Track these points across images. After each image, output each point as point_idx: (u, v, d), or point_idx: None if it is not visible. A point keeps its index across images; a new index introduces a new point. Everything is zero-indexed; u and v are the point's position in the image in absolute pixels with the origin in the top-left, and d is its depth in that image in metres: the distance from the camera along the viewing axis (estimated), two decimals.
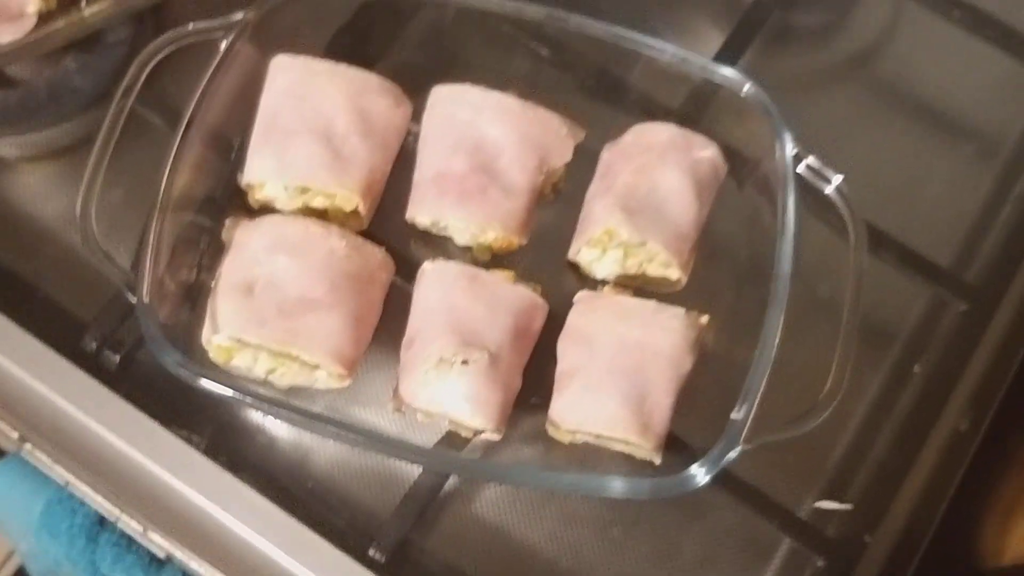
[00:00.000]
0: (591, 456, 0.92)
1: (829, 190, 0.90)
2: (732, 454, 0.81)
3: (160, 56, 0.91)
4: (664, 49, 0.94)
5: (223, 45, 0.90)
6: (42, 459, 1.13)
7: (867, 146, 1.11)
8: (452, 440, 0.91)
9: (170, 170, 0.86)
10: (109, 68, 1.04)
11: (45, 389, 0.94)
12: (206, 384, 0.82)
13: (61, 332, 0.96)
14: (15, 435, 1.13)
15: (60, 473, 1.14)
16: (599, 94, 1.05)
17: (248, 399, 0.82)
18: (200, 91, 0.88)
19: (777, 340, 0.84)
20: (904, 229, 1.03)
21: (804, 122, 0.97)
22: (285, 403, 0.86)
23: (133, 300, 0.85)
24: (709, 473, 0.80)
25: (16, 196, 1.04)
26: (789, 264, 0.85)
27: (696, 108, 1.04)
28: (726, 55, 1.08)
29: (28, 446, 1.13)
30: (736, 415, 0.81)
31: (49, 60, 1.04)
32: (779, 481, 0.94)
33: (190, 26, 0.91)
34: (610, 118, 1.04)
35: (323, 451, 0.94)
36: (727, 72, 0.93)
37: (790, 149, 0.89)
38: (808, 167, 0.90)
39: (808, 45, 1.18)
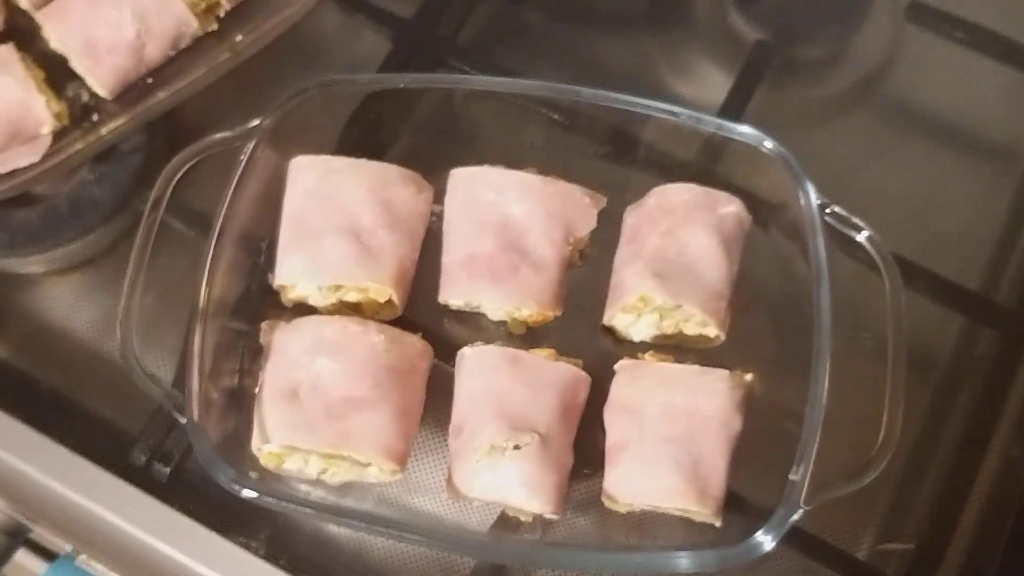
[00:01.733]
0: (648, 522, 0.92)
1: (859, 238, 0.90)
2: (795, 516, 0.81)
3: (184, 169, 0.91)
4: (678, 112, 0.94)
5: (244, 152, 0.90)
6: (97, 567, 1.14)
7: (883, 174, 1.11)
8: (508, 521, 0.91)
9: (207, 280, 0.86)
10: (127, 177, 1.05)
11: (98, 508, 0.95)
12: (265, 500, 0.82)
13: (108, 447, 0.97)
14: (68, 547, 1.13)
15: None
16: (614, 155, 1.05)
17: (308, 511, 0.82)
18: (227, 199, 0.89)
19: (826, 393, 0.83)
20: (930, 256, 1.03)
21: (818, 158, 0.98)
22: (342, 509, 0.87)
23: (183, 421, 0.85)
24: (775, 539, 0.80)
25: (46, 310, 1.05)
26: (829, 314, 0.85)
27: (711, 159, 1.04)
28: (735, 100, 1.08)
29: (83, 556, 1.13)
30: (794, 476, 0.81)
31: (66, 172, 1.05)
32: (836, 525, 0.95)
33: (212, 137, 0.92)
34: (627, 177, 1.04)
35: (381, 544, 0.94)
36: (745, 130, 0.94)
37: (815, 200, 0.89)
38: (835, 215, 0.90)
39: (813, 78, 1.18)
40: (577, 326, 0.99)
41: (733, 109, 1.07)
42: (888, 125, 1.15)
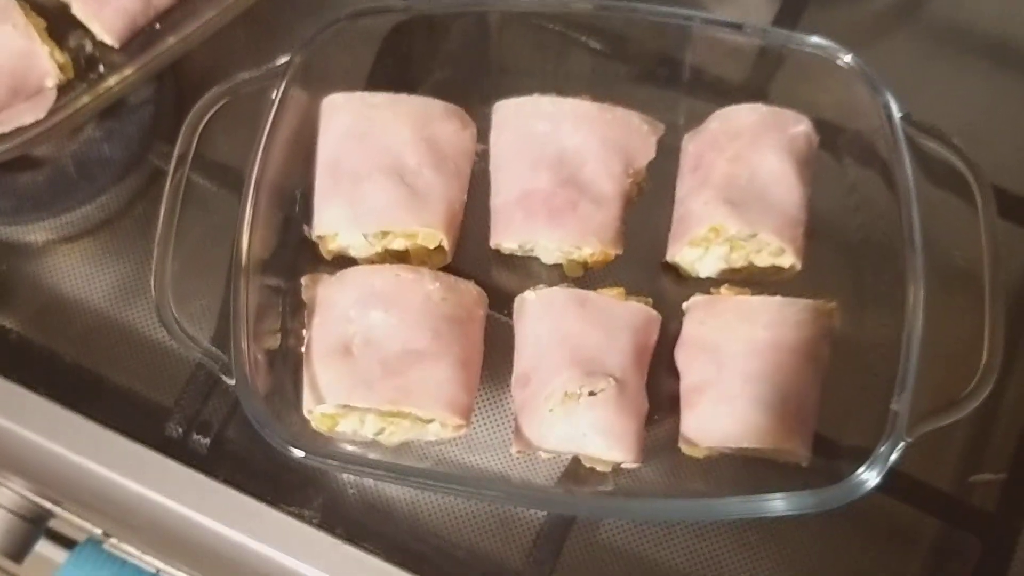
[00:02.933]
0: (725, 466, 0.86)
1: (943, 148, 0.84)
2: (899, 449, 0.75)
3: (209, 115, 0.84)
4: (743, 25, 0.87)
5: (276, 92, 0.83)
6: (128, 550, 1.07)
7: (936, 93, 1.05)
8: (578, 473, 0.86)
9: (248, 235, 0.79)
10: (137, 132, 0.98)
11: (135, 484, 0.88)
12: (326, 463, 0.76)
13: (141, 421, 0.90)
14: (99, 531, 1.07)
15: (150, 562, 1.08)
16: (661, 80, 0.99)
17: (380, 472, 0.76)
18: (261, 144, 0.81)
19: (922, 318, 0.78)
20: (1009, 176, 0.97)
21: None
22: (410, 469, 0.80)
23: (230, 382, 0.78)
24: (880, 475, 0.75)
25: (59, 280, 0.98)
26: (919, 235, 0.79)
27: (764, 78, 0.98)
28: (786, 16, 1.02)
29: (113, 540, 1.07)
30: (896, 406, 0.76)
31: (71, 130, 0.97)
32: (920, 458, 0.89)
33: (239, 77, 0.84)
34: (676, 103, 0.98)
35: (442, 505, 0.88)
36: (818, 42, 0.87)
37: (897, 113, 0.83)
38: (920, 127, 0.84)
39: None
40: (635, 265, 0.93)
41: (783, 27, 1.00)
42: (938, 43, 1.09)
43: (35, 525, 1.06)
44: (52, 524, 1.10)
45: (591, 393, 0.79)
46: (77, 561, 1.14)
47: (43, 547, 1.17)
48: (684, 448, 0.83)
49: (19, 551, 1.05)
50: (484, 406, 0.90)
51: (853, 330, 0.87)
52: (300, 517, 0.86)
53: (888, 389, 0.80)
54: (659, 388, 0.87)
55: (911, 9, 1.11)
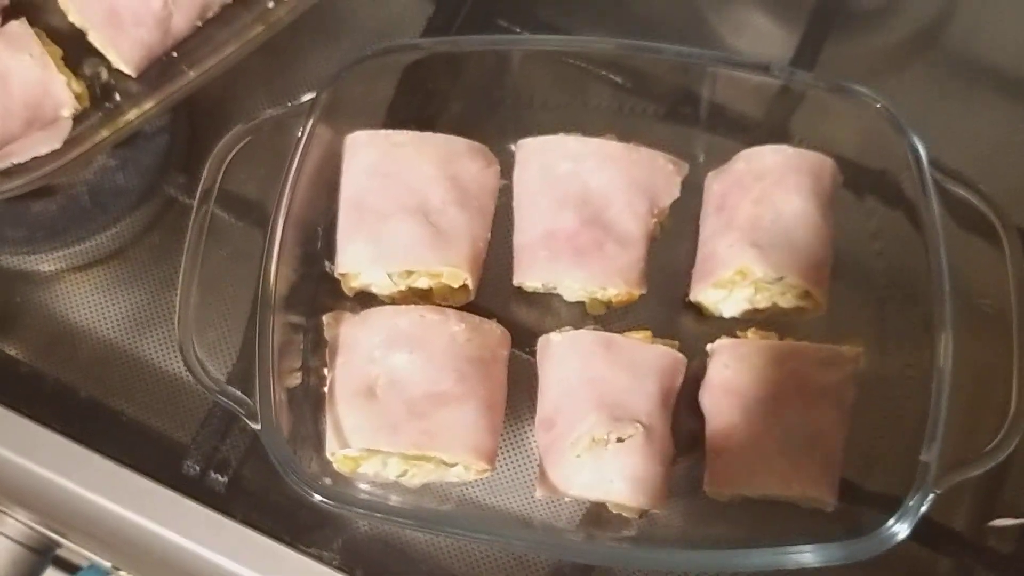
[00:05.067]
0: (749, 509, 0.86)
1: (969, 194, 0.84)
2: (928, 501, 0.75)
3: (235, 151, 0.83)
4: (770, 67, 0.87)
5: (303, 129, 0.82)
6: None
7: (950, 127, 1.04)
8: (599, 516, 0.85)
9: (275, 271, 0.79)
10: (152, 161, 0.97)
11: (150, 523, 0.87)
12: (352, 511, 0.75)
13: (157, 458, 0.89)
14: (107, 564, 1.06)
15: None
16: (681, 117, 0.98)
17: (409, 522, 0.76)
18: (289, 181, 0.80)
19: (951, 366, 0.77)
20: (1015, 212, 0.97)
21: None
22: (437, 517, 0.80)
23: (256, 427, 0.77)
24: (911, 526, 0.74)
25: (70, 310, 0.97)
26: (948, 283, 0.79)
27: (785, 115, 0.97)
28: (806, 48, 1.01)
29: (122, 573, 1.06)
30: (926, 457, 0.75)
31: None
32: (938, 501, 0.89)
33: (264, 115, 0.83)
34: (695, 140, 0.97)
35: (460, 547, 0.88)
36: (849, 86, 0.87)
37: (926, 157, 0.82)
38: (945, 173, 0.83)
39: (871, 29, 1.11)
40: (656, 303, 0.92)
41: (804, 63, 1.00)
42: (952, 75, 1.09)
43: (42, 556, 1.04)
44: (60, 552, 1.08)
45: (619, 439, 0.79)
46: None
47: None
48: (709, 491, 0.83)
49: None
50: (505, 445, 0.89)
51: (876, 371, 0.87)
52: (319, 558, 0.85)
53: (911, 432, 0.80)
54: (681, 428, 0.87)
55: (928, 41, 1.11)
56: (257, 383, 0.77)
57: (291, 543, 0.85)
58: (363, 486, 0.85)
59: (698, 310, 0.91)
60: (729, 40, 1.09)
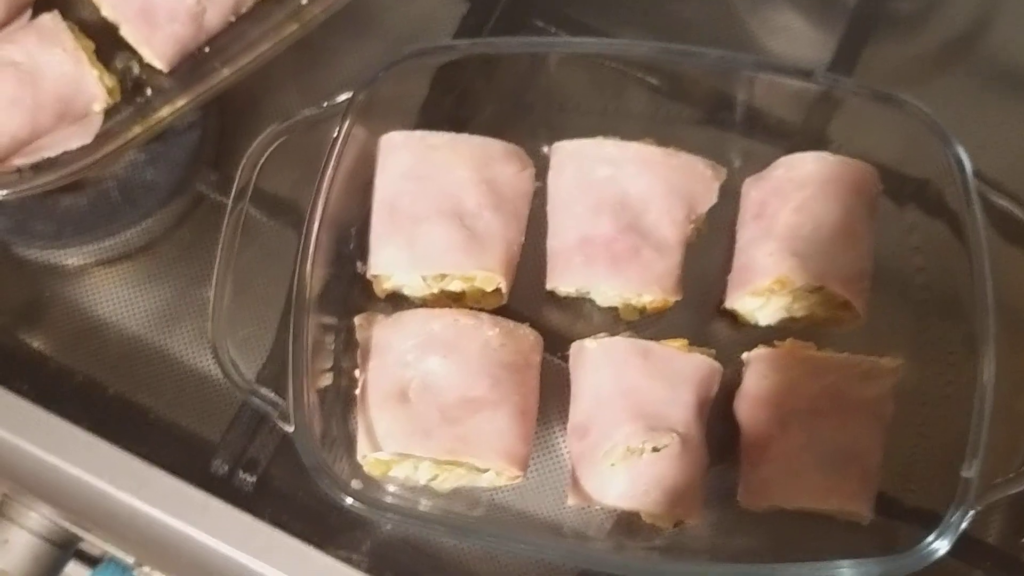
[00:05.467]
0: (783, 521, 0.85)
1: (1014, 206, 0.82)
2: (968, 517, 0.74)
3: (270, 150, 0.82)
4: (812, 73, 0.85)
5: (339, 130, 0.81)
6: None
7: (995, 133, 1.03)
8: (631, 524, 0.84)
9: (310, 272, 0.78)
10: (183, 157, 0.96)
11: (178, 522, 0.87)
12: (383, 515, 0.74)
13: (185, 456, 0.89)
14: (130, 560, 1.06)
15: None
16: (718, 121, 0.97)
17: (439, 528, 0.75)
18: (326, 181, 0.80)
19: (994, 382, 0.76)
20: None
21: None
22: (469, 525, 0.79)
23: (288, 429, 0.76)
24: (951, 543, 0.74)
25: (98, 305, 0.96)
26: (992, 298, 0.78)
27: (823, 121, 0.96)
28: (845, 52, 1.00)
29: (145, 568, 1.05)
30: (968, 473, 0.74)
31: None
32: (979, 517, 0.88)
33: (300, 115, 0.82)
34: (732, 145, 0.96)
35: (489, 552, 0.87)
36: (893, 95, 0.85)
37: (970, 169, 0.81)
38: (988, 184, 0.82)
39: (910, 35, 1.10)
40: (689, 310, 0.91)
41: (842, 68, 0.99)
42: (991, 81, 1.07)
43: (64, 550, 1.04)
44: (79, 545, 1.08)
45: (654, 449, 0.78)
46: None
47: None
48: (744, 503, 0.82)
49: None
50: (536, 451, 0.88)
51: (914, 384, 0.86)
52: (348, 561, 0.84)
53: (949, 446, 0.79)
54: (714, 437, 0.86)
55: (966, 48, 1.09)
56: (290, 385, 0.76)
57: (319, 545, 0.85)
58: (392, 489, 0.85)
59: (732, 317, 0.90)
60: (764, 42, 1.08)
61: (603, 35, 1.01)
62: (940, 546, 0.73)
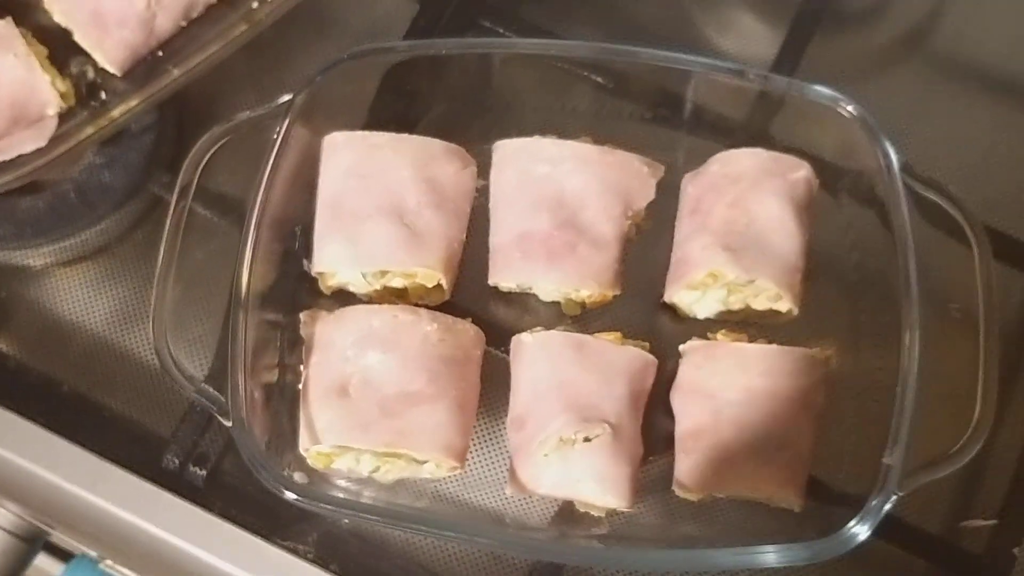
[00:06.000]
0: (718, 508, 0.87)
1: (942, 200, 0.84)
2: (890, 503, 0.76)
3: (211, 153, 0.84)
4: (745, 71, 0.87)
5: (278, 131, 0.83)
6: (123, 571, 1.08)
7: (937, 129, 1.05)
8: (572, 514, 0.86)
9: (249, 268, 0.79)
10: (138, 159, 0.98)
11: (130, 516, 0.89)
12: (322, 508, 0.76)
13: (138, 451, 0.91)
14: (94, 553, 1.07)
15: None
16: (662, 118, 0.98)
17: (375, 518, 0.77)
18: (263, 181, 0.82)
19: (917, 369, 0.78)
20: (992, 215, 0.97)
21: (875, 113, 0.91)
22: (402, 514, 0.80)
23: (227, 424, 0.78)
24: (871, 528, 0.75)
25: (58, 305, 0.98)
26: (916, 286, 0.79)
27: (765, 118, 0.97)
28: (788, 54, 1.02)
29: (108, 562, 1.07)
30: (889, 460, 0.76)
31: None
32: (911, 502, 0.89)
33: (241, 116, 0.84)
34: (677, 142, 0.98)
35: (436, 543, 0.89)
36: (820, 90, 0.87)
37: (897, 163, 0.83)
38: (917, 178, 0.84)
39: (860, 30, 1.11)
40: (633, 303, 0.93)
41: (787, 64, 1.01)
42: (940, 75, 1.09)
43: (31, 544, 1.06)
44: (52, 538, 1.10)
45: (586, 439, 0.80)
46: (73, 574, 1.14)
47: (39, 559, 1.17)
48: (678, 491, 0.84)
49: (14, 570, 1.05)
50: (481, 442, 0.90)
51: (849, 370, 0.88)
52: (295, 552, 0.86)
53: (882, 432, 0.80)
54: (655, 428, 0.87)
55: (915, 42, 1.11)
56: (228, 382, 0.78)
57: (268, 537, 0.86)
58: (339, 481, 0.87)
59: (675, 311, 0.92)
60: (715, 40, 1.10)
61: (553, 35, 1.03)
62: (860, 531, 0.75)
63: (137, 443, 0.91)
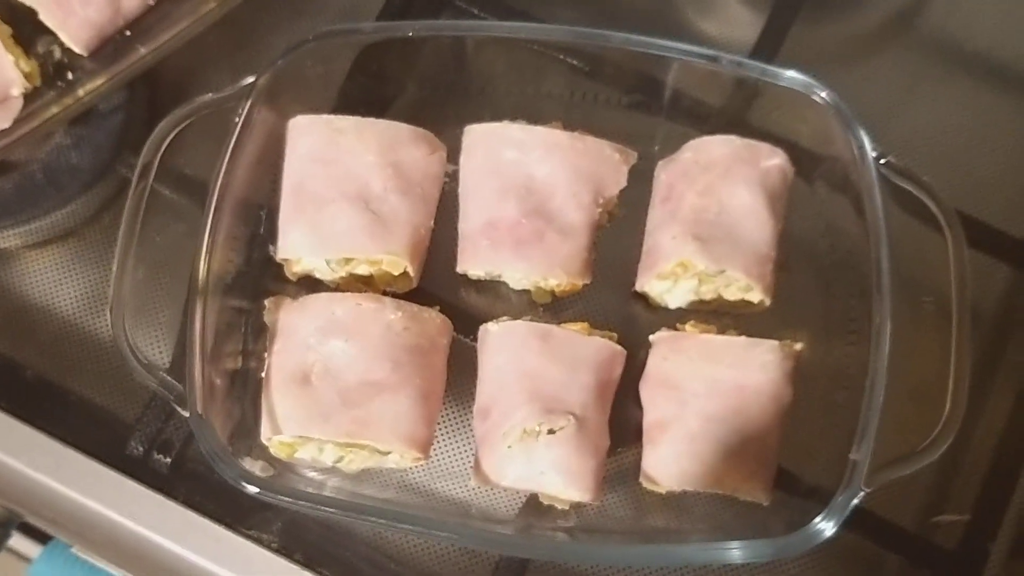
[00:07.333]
0: (688, 501, 0.86)
1: (916, 190, 0.82)
2: (856, 499, 0.75)
3: (174, 133, 0.82)
4: (717, 57, 0.85)
5: (240, 113, 0.81)
6: (94, 558, 1.07)
7: (921, 114, 1.03)
8: (539, 505, 0.85)
9: (206, 253, 0.78)
10: (107, 140, 0.96)
11: (94, 503, 0.88)
12: (281, 500, 0.75)
13: (102, 438, 0.90)
14: (64, 540, 1.07)
15: (115, 571, 1.08)
16: (640, 103, 0.96)
17: (330, 511, 0.75)
18: (223, 164, 0.80)
19: (885, 364, 0.76)
20: (975, 201, 0.96)
21: (855, 98, 0.89)
22: (364, 507, 0.78)
23: (185, 414, 0.77)
24: (836, 525, 0.74)
25: (26, 288, 0.97)
26: (888, 279, 0.78)
27: (745, 104, 0.95)
28: (769, 38, 1.00)
29: (76, 548, 1.07)
30: (856, 455, 0.75)
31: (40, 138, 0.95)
32: (885, 497, 0.88)
33: (202, 98, 0.83)
34: (654, 128, 0.96)
35: (401, 532, 0.88)
36: (793, 76, 0.85)
37: (871, 152, 0.81)
38: (892, 167, 0.82)
39: (846, 13, 1.09)
40: (605, 292, 0.92)
41: (767, 48, 0.99)
42: (925, 61, 1.06)
43: (3, 527, 1.05)
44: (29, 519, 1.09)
45: (550, 431, 0.78)
46: (49, 558, 1.13)
47: (16, 541, 1.16)
48: (645, 484, 0.83)
49: None
50: (450, 431, 0.89)
51: (823, 359, 0.87)
52: (259, 541, 0.86)
53: (853, 424, 0.79)
54: (626, 419, 0.86)
55: (901, 26, 1.08)
56: (186, 371, 0.77)
57: (232, 525, 0.86)
58: (306, 471, 0.86)
59: (647, 300, 0.90)
60: (696, 23, 1.07)
61: (529, 16, 1.01)
62: (826, 527, 0.74)
63: (101, 429, 0.90)
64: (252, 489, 0.76)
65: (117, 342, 0.78)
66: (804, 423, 0.86)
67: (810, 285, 0.90)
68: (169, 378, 0.79)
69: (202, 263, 0.78)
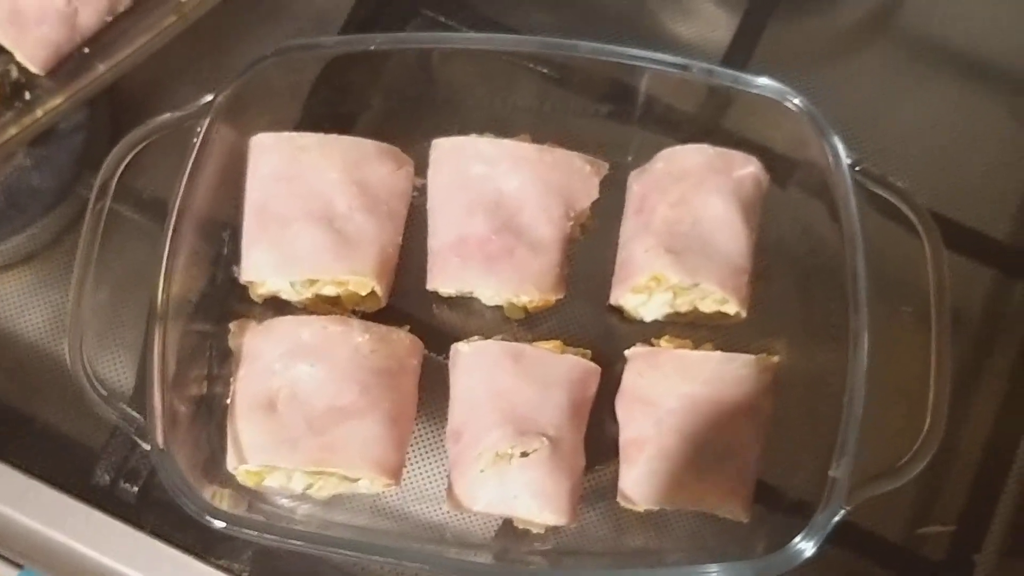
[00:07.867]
0: (667, 519, 0.84)
1: (892, 196, 0.80)
2: (837, 517, 0.73)
3: (132, 153, 0.80)
4: (688, 66, 0.83)
5: (198, 132, 0.79)
6: None
7: (900, 115, 1.01)
8: (515, 529, 0.83)
9: (164, 277, 0.76)
10: (68, 161, 0.94)
11: (59, 535, 0.86)
12: (247, 534, 0.73)
13: (67, 467, 0.88)
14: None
15: None
16: (612, 112, 0.94)
17: (299, 544, 0.73)
18: (182, 184, 0.78)
19: (865, 377, 0.75)
20: (955, 203, 0.94)
21: (831, 100, 0.88)
22: (334, 539, 0.77)
23: (146, 447, 0.75)
24: (817, 544, 0.72)
25: None
26: (866, 288, 0.76)
27: (719, 111, 0.94)
28: (742, 41, 0.98)
29: None
30: (835, 472, 0.73)
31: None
32: (869, 509, 0.86)
33: (160, 118, 0.81)
34: (628, 137, 0.94)
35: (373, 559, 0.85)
36: (765, 83, 0.83)
37: (845, 159, 0.79)
38: (867, 173, 0.80)
39: (822, 13, 1.07)
40: (580, 305, 0.90)
41: (742, 50, 0.97)
42: (903, 61, 1.04)
43: None
44: None
45: (523, 454, 0.77)
46: None
47: None
48: (622, 503, 0.81)
49: None
50: (425, 453, 0.87)
51: (803, 370, 0.85)
52: (229, 571, 0.84)
53: (834, 435, 0.77)
54: (602, 435, 0.85)
55: (879, 25, 1.07)
56: (147, 404, 0.74)
57: (201, 555, 0.84)
58: (276, 498, 0.84)
59: (622, 313, 0.88)
60: (671, 26, 1.05)
61: (500, 24, 0.99)
62: (806, 547, 0.72)
63: (67, 457, 0.88)
64: (218, 524, 0.73)
65: (74, 373, 0.76)
66: (786, 435, 0.84)
67: (789, 291, 0.89)
68: (130, 410, 0.76)
69: (160, 287, 0.76)
